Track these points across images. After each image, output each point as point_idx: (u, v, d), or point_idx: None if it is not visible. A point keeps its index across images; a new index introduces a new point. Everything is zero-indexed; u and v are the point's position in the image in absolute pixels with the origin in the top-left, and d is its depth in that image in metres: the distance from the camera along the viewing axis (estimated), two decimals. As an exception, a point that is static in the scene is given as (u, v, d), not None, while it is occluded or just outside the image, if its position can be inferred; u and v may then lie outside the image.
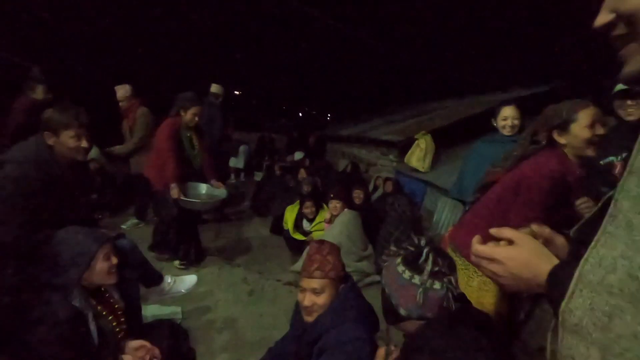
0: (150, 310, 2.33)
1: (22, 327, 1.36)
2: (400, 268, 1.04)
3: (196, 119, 2.98)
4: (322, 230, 3.47)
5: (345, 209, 3.32)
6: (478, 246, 0.68)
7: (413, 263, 1.03)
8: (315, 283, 1.35)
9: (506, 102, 2.32)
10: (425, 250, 1.03)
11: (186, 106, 2.92)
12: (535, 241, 0.64)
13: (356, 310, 1.35)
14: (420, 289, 0.99)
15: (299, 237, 3.62)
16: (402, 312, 1.02)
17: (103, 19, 7.64)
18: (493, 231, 0.68)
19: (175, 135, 2.94)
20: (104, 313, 1.61)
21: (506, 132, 2.31)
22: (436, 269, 1.01)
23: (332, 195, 3.40)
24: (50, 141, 1.67)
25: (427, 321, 0.99)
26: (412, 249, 1.06)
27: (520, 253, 0.63)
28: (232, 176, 6.88)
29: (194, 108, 2.94)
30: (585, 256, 0.51)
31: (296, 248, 3.53)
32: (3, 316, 1.36)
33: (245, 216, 4.85)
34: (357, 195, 3.79)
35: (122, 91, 3.77)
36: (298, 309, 1.56)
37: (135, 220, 4.08)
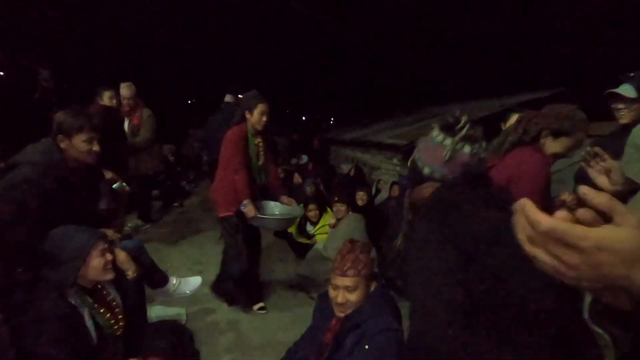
0: (155, 311, 2.34)
1: (17, 325, 1.37)
2: (435, 132, 1.06)
3: (264, 119, 2.51)
4: (326, 233, 3.47)
5: (350, 213, 3.32)
6: (557, 222, 0.40)
7: (449, 129, 1.04)
8: (348, 281, 1.42)
9: (516, 110, 2.33)
10: (463, 119, 1.04)
11: (251, 105, 2.48)
12: None
13: (390, 304, 1.46)
14: (449, 148, 1.01)
15: (302, 240, 3.63)
16: (426, 170, 1.04)
17: (98, 21, 7.73)
18: (586, 190, 0.41)
19: (243, 145, 2.53)
20: (101, 310, 1.62)
21: None
22: (470, 132, 1.01)
23: (336, 199, 3.41)
24: (63, 144, 1.69)
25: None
26: (451, 120, 1.07)
27: (624, 238, 0.39)
28: None
29: (261, 105, 2.47)
30: None
31: (300, 251, 3.53)
32: (15, 313, 1.38)
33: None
34: (360, 197, 3.79)
35: (130, 90, 3.69)
36: (322, 304, 1.63)
37: (139, 222, 4.10)
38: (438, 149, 1.02)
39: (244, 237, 2.55)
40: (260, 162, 2.64)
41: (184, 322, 2.36)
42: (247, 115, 2.52)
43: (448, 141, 1.02)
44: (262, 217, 2.41)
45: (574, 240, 0.39)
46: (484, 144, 1.02)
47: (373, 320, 1.38)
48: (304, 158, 7.13)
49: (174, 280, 2.18)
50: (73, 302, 1.48)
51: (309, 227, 3.68)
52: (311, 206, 3.66)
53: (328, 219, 3.54)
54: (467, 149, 1.01)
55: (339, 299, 1.43)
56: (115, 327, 1.66)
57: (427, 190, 1.03)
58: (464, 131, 1.01)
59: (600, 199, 0.41)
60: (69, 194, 1.68)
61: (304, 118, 19.33)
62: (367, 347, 1.34)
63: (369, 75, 12.21)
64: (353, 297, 1.43)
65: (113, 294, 1.70)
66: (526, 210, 0.42)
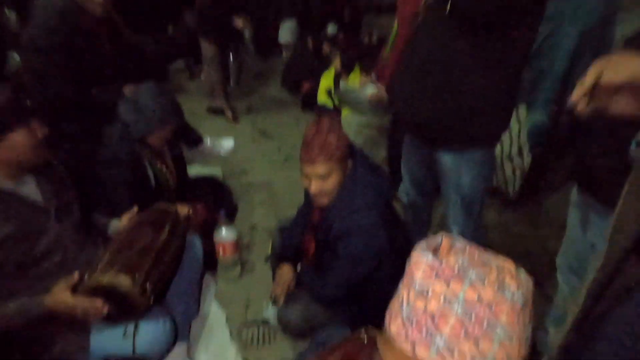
0: (194, 170, 2.55)
1: (89, 167, 1.55)
2: None
3: None
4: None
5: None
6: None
7: None
8: (319, 169, 1.25)
9: None
10: None
11: None
12: None
13: (367, 189, 1.32)
14: None
15: (336, 98, 3.63)
16: None
17: None
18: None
19: None
20: (158, 164, 1.79)
21: None
22: None
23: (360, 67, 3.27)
24: None
25: None
26: None
27: None
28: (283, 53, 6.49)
29: None
30: None
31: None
32: (67, 160, 1.54)
33: (275, 93, 4.81)
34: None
35: None
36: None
37: None
38: None
39: None
40: None
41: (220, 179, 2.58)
42: None
43: None
44: None
45: None
46: None
47: (344, 220, 1.30)
48: (333, 27, 6.54)
49: (208, 141, 2.31)
50: (137, 150, 1.63)
51: (342, 84, 3.64)
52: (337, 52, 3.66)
53: (357, 77, 3.42)
54: None
55: (313, 190, 1.29)
56: (169, 180, 1.85)
57: None
58: None
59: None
60: (93, 45, 1.68)
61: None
62: (347, 247, 1.32)
63: None
64: (327, 185, 1.29)
65: (164, 150, 1.85)
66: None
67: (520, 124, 2.34)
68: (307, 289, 1.47)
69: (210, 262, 1.82)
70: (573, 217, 1.24)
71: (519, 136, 2.37)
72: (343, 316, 1.44)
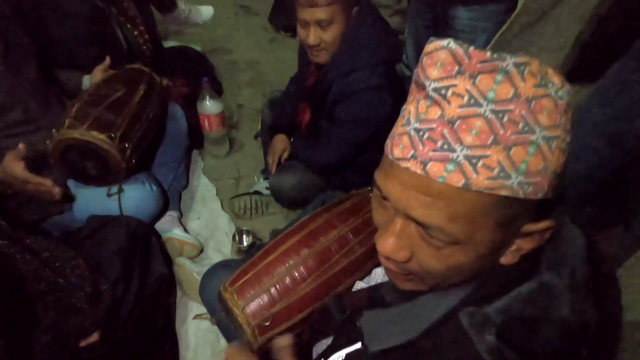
0: (169, 45, 2.27)
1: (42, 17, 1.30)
2: None
3: None
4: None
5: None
6: None
7: None
8: (320, 12, 1.06)
9: None
10: None
11: None
12: None
13: (374, 45, 1.15)
14: None
15: None
16: None
17: None
18: None
19: None
20: (128, 26, 1.54)
21: None
22: None
23: None
24: None
25: None
26: None
27: None
28: None
29: None
30: None
31: None
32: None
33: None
34: None
35: None
36: (303, 49, 1.30)
37: None
38: None
39: None
40: None
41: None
42: None
43: None
44: None
45: None
46: None
47: (346, 79, 1.15)
48: None
49: (182, 6, 2.00)
50: (100, 4, 1.36)
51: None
52: None
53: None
54: None
55: (311, 40, 1.11)
56: (143, 46, 1.61)
57: None
58: None
59: None
60: None
61: None
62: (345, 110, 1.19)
63: None
64: (328, 35, 1.11)
65: (133, 11, 1.57)
66: None
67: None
68: (301, 158, 1.40)
69: (196, 139, 1.70)
70: None
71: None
72: (339, 186, 1.39)
